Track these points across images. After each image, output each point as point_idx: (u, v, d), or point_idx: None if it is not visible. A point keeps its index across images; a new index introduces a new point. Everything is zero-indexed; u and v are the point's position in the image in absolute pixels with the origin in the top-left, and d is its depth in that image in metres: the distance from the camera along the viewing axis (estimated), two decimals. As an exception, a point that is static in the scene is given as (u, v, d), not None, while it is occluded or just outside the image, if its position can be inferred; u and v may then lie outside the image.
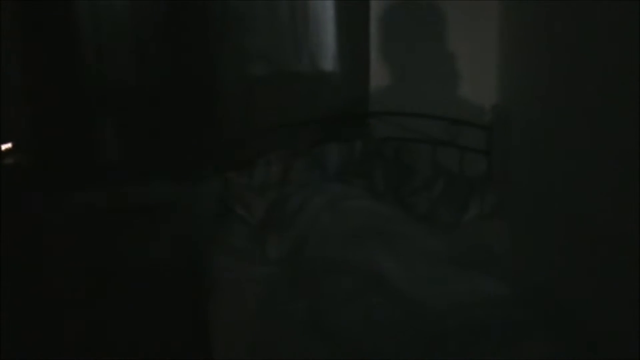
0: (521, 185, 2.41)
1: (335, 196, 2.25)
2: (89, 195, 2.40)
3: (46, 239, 2.36)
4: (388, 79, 2.60)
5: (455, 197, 2.38)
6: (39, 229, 2.35)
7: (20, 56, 2.33)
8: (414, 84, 2.59)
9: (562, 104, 2.09)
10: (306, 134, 2.54)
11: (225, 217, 2.38)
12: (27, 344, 2.28)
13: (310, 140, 2.53)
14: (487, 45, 2.59)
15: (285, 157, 2.47)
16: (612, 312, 1.72)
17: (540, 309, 1.75)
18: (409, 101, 2.51)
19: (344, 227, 2.09)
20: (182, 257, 2.44)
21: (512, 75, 2.54)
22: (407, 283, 1.87)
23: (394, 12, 2.55)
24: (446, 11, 2.55)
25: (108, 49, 2.45)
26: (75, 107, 2.44)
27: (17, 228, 2.29)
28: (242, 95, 2.56)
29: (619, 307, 1.69)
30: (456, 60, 2.60)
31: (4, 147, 2.31)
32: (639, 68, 1.59)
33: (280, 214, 2.25)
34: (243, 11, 2.50)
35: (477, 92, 2.61)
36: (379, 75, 2.58)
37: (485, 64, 2.59)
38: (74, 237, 2.39)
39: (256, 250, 2.18)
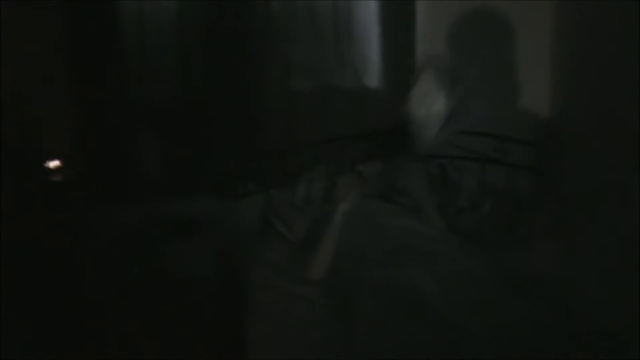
0: (573, 204, 2.31)
1: (377, 214, 2.20)
2: (132, 210, 2.41)
3: (90, 254, 2.39)
4: (435, 95, 2.54)
5: (503, 216, 2.30)
6: (84, 244, 2.38)
7: (63, 74, 2.38)
8: (461, 99, 2.53)
9: (617, 119, 2.00)
10: (350, 150, 2.51)
11: (266, 233, 2.36)
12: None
13: (354, 156, 2.50)
14: (539, 59, 2.50)
15: (328, 173, 2.44)
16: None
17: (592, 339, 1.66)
18: (455, 116, 2.45)
19: (385, 246, 2.05)
20: (222, 273, 2.43)
21: (564, 90, 2.45)
22: (448, 306, 1.80)
23: (440, 28, 2.50)
24: (494, 25, 2.49)
25: (152, 64, 2.48)
26: (119, 123, 2.47)
27: (63, 243, 2.32)
28: (286, 110, 2.55)
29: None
30: (506, 75, 2.53)
31: (52, 164, 2.35)
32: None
33: (321, 232, 2.22)
34: (287, 25, 2.50)
35: (527, 107, 2.52)
36: (424, 91, 2.52)
37: (537, 78, 2.51)
38: (116, 252, 2.41)
39: (295, 269, 2.15)
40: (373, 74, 2.56)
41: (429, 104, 2.52)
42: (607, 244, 2.01)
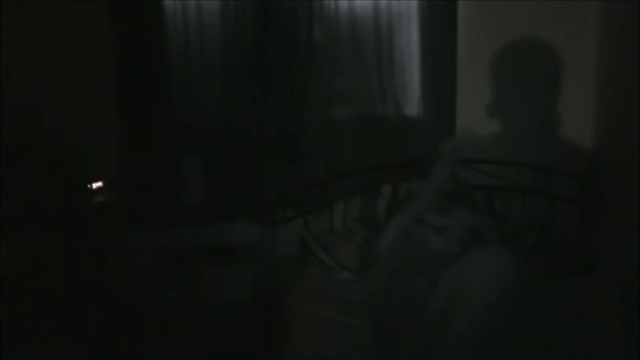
0: (616, 238, 2.27)
1: (419, 245, 2.17)
2: (173, 235, 2.43)
3: (129, 276, 2.40)
4: (476, 124, 2.53)
5: (547, 249, 2.26)
6: (125, 266, 2.39)
7: (112, 98, 2.43)
8: (502, 129, 2.52)
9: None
10: (389, 179, 2.49)
11: (305, 259, 2.35)
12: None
13: (393, 184, 2.48)
14: (582, 90, 2.48)
15: (367, 199, 2.43)
16: None
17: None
18: (497, 147, 2.43)
19: (425, 275, 2.01)
20: (262, 298, 2.42)
21: (608, 121, 2.43)
22: (489, 337, 1.76)
23: (482, 58, 2.50)
24: (538, 53, 2.48)
25: (196, 91, 2.52)
26: (163, 149, 2.51)
27: (104, 265, 2.34)
28: (326, 137, 2.56)
29: None
30: (548, 106, 2.51)
31: (95, 185, 2.39)
32: None
33: (361, 257, 2.20)
34: (329, 54, 2.52)
35: (571, 138, 2.50)
36: (466, 120, 2.52)
37: (580, 109, 2.49)
38: (155, 275, 2.43)
39: (335, 294, 2.13)
40: (413, 103, 2.56)
41: (470, 133, 2.51)
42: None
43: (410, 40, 2.54)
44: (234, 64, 2.52)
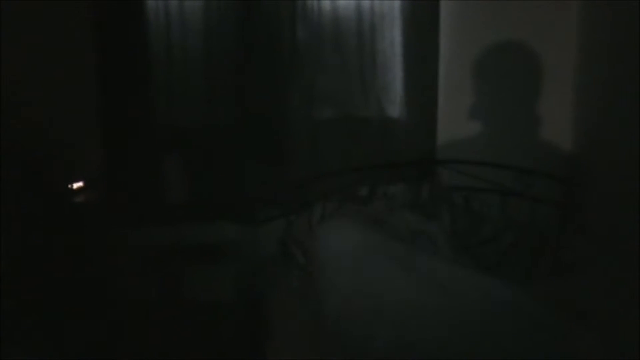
0: (598, 239, 2.28)
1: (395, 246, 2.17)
2: (155, 234, 2.44)
3: (112, 275, 2.41)
4: (456, 125, 2.54)
5: (525, 250, 2.27)
6: (106, 266, 2.40)
7: (93, 97, 2.43)
8: (483, 131, 2.52)
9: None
10: (370, 179, 2.50)
11: (284, 258, 2.35)
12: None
13: (374, 185, 2.49)
14: (563, 92, 2.50)
15: (345, 200, 2.43)
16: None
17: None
18: (477, 148, 2.44)
19: (399, 277, 2.01)
20: (243, 297, 2.43)
21: (588, 123, 2.44)
22: (467, 341, 1.76)
23: (464, 59, 2.51)
24: (519, 55, 2.49)
25: (178, 92, 2.52)
26: (144, 147, 2.51)
27: (83, 265, 2.35)
28: (308, 137, 2.56)
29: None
30: (528, 107, 2.52)
31: (76, 185, 2.39)
32: None
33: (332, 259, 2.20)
34: (311, 54, 2.53)
35: (551, 139, 2.51)
36: (447, 122, 2.52)
37: (560, 111, 2.50)
38: (137, 274, 2.43)
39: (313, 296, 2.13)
40: (396, 104, 2.56)
41: (452, 134, 2.52)
42: (628, 279, 1.97)
43: (393, 41, 2.54)
44: (216, 63, 2.52)
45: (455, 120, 2.54)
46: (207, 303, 2.48)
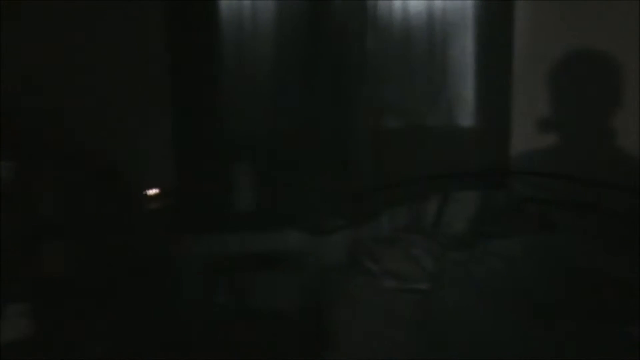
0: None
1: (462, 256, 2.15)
2: (223, 242, 2.46)
3: (178, 281, 2.44)
4: (530, 135, 2.49)
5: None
6: (177, 271, 2.43)
7: (167, 102, 2.47)
8: (558, 141, 2.46)
9: None
10: (440, 190, 2.47)
11: (353, 269, 2.35)
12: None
13: (445, 195, 2.46)
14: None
15: (415, 209, 2.41)
16: None
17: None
18: (551, 159, 2.38)
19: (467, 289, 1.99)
20: (308, 307, 2.43)
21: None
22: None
23: (538, 68, 2.45)
24: (598, 63, 2.42)
25: (248, 102, 2.54)
26: (215, 157, 2.53)
27: (156, 270, 2.39)
28: (376, 146, 2.55)
29: None
30: (603, 119, 2.44)
31: (151, 192, 2.43)
32: None
33: (408, 268, 2.19)
34: (379, 62, 2.51)
35: (625, 152, 2.43)
36: (521, 132, 2.47)
37: (635, 122, 2.41)
38: (205, 281, 2.46)
39: (382, 305, 2.12)
40: (467, 113, 2.53)
41: (525, 145, 2.46)
42: None
43: (464, 49, 2.50)
44: (285, 75, 2.53)
45: (528, 130, 2.48)
46: (271, 312, 2.49)
